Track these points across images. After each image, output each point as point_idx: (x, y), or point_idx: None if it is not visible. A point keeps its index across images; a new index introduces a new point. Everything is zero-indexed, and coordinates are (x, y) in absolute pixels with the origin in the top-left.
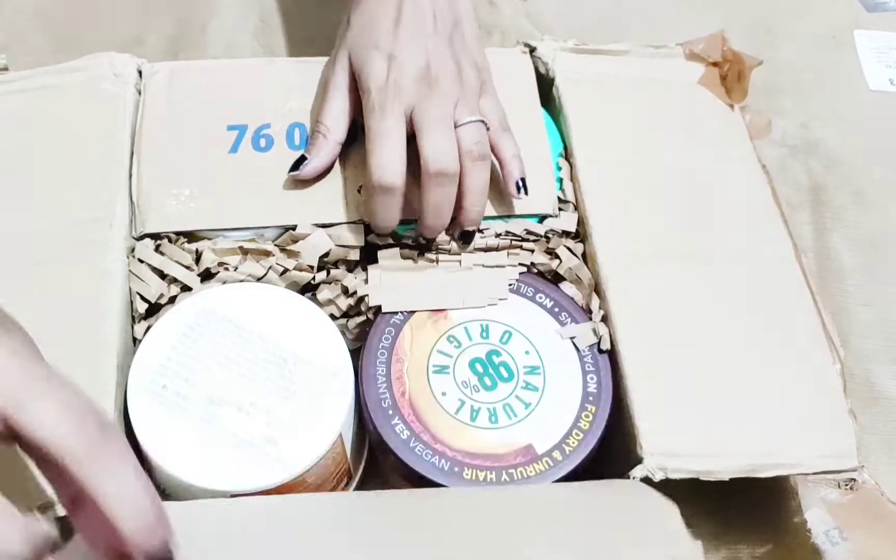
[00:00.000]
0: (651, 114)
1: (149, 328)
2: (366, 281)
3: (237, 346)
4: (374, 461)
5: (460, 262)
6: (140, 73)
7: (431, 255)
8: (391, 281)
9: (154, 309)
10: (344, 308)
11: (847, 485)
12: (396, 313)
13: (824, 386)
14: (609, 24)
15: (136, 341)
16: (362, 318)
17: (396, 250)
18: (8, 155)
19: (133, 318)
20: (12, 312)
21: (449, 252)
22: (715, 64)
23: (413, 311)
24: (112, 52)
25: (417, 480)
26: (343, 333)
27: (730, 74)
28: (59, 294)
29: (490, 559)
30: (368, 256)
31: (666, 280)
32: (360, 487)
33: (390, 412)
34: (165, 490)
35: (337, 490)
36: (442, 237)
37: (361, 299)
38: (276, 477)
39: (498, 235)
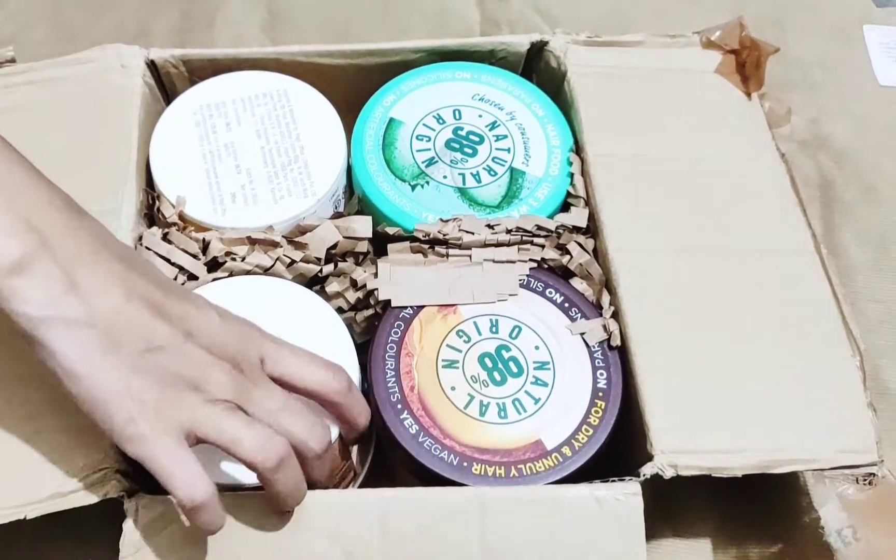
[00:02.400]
0: (666, 105)
1: None
2: (375, 274)
3: None
4: (382, 456)
5: (470, 257)
6: (148, 65)
7: (442, 250)
8: (400, 275)
9: None
10: (352, 301)
11: (865, 480)
12: (405, 307)
13: (843, 379)
14: (617, 17)
15: None
16: (371, 311)
17: (406, 244)
18: (15, 146)
19: None
20: None
21: (459, 247)
22: (732, 52)
23: (422, 306)
24: (120, 44)
25: (426, 475)
26: (351, 327)
27: (748, 62)
28: None
29: None
30: (376, 248)
31: (679, 274)
32: (367, 482)
33: (399, 406)
34: None
35: (340, 487)
36: (453, 232)
37: (370, 293)
38: None
39: (509, 231)
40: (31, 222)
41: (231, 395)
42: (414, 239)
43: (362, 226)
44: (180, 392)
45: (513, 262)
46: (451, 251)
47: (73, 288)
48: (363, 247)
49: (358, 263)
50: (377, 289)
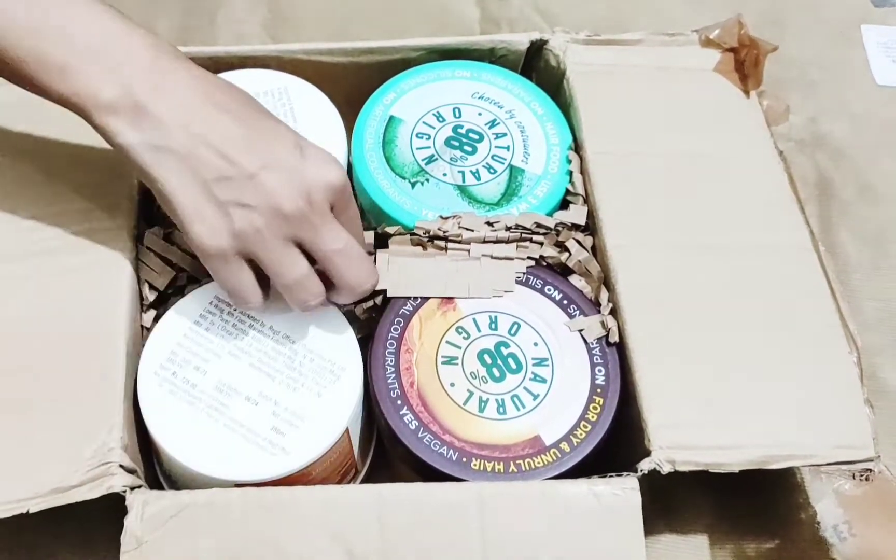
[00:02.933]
0: (665, 103)
1: (157, 316)
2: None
3: (247, 336)
4: (382, 451)
5: (469, 252)
6: None
7: (441, 244)
8: (399, 267)
9: (163, 297)
10: None
11: (862, 475)
12: (405, 304)
13: (840, 375)
14: (616, 16)
15: (143, 329)
16: (370, 303)
17: (407, 237)
18: (16, 144)
19: (141, 306)
20: (20, 297)
21: (459, 243)
22: (731, 50)
23: (422, 302)
24: None
25: (426, 470)
26: (351, 321)
27: (747, 60)
28: (69, 281)
29: None
30: (377, 244)
31: (677, 271)
32: (367, 478)
33: (399, 402)
34: (172, 476)
35: (342, 484)
36: (453, 229)
37: None
38: (280, 468)
39: (508, 228)
40: (122, 65)
41: (292, 228)
42: (414, 233)
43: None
44: (245, 217)
45: (511, 259)
46: (451, 245)
47: (156, 121)
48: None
49: None
50: None
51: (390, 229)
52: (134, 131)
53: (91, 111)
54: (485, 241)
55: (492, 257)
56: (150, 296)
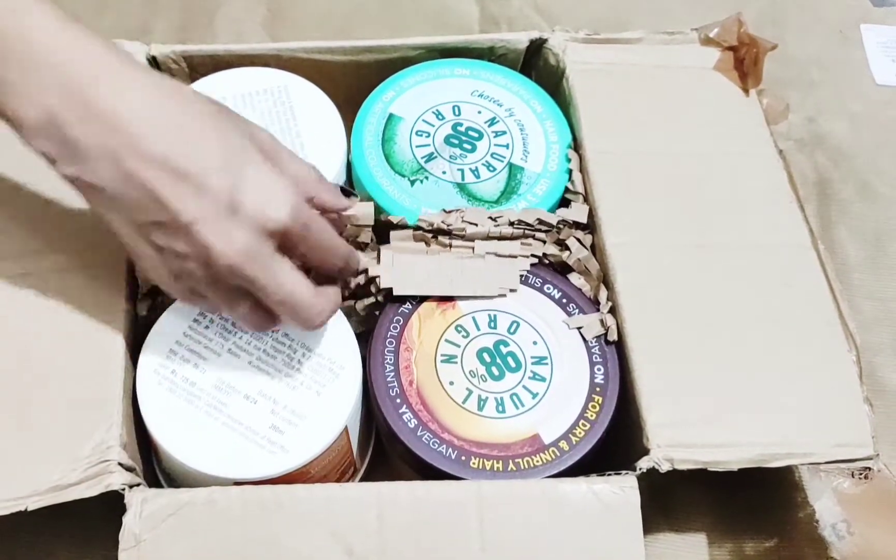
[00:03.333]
0: (664, 102)
1: (152, 306)
2: (378, 261)
3: (246, 334)
4: (381, 449)
5: (473, 249)
6: (150, 60)
7: (445, 240)
8: (403, 263)
9: (157, 288)
10: (353, 287)
11: (861, 474)
12: (405, 302)
13: (839, 374)
14: (616, 15)
15: (138, 318)
16: (371, 300)
17: (410, 232)
18: (10, 144)
19: (136, 294)
20: (19, 296)
21: (463, 237)
22: (730, 48)
23: (422, 300)
24: (122, 40)
25: (425, 469)
26: (350, 316)
27: (747, 58)
28: (67, 279)
29: None
30: (379, 242)
31: (676, 269)
32: (366, 476)
33: (398, 401)
34: (171, 474)
35: (341, 482)
36: (457, 222)
37: (372, 280)
38: (279, 466)
39: (511, 224)
40: (56, 86)
41: (229, 279)
42: (417, 228)
43: (364, 213)
44: (179, 265)
45: (515, 257)
46: (455, 242)
47: (83, 155)
48: (366, 236)
49: (361, 250)
50: (379, 276)
51: (393, 218)
52: (63, 163)
53: (23, 134)
54: (489, 237)
55: (497, 255)
56: (144, 285)
